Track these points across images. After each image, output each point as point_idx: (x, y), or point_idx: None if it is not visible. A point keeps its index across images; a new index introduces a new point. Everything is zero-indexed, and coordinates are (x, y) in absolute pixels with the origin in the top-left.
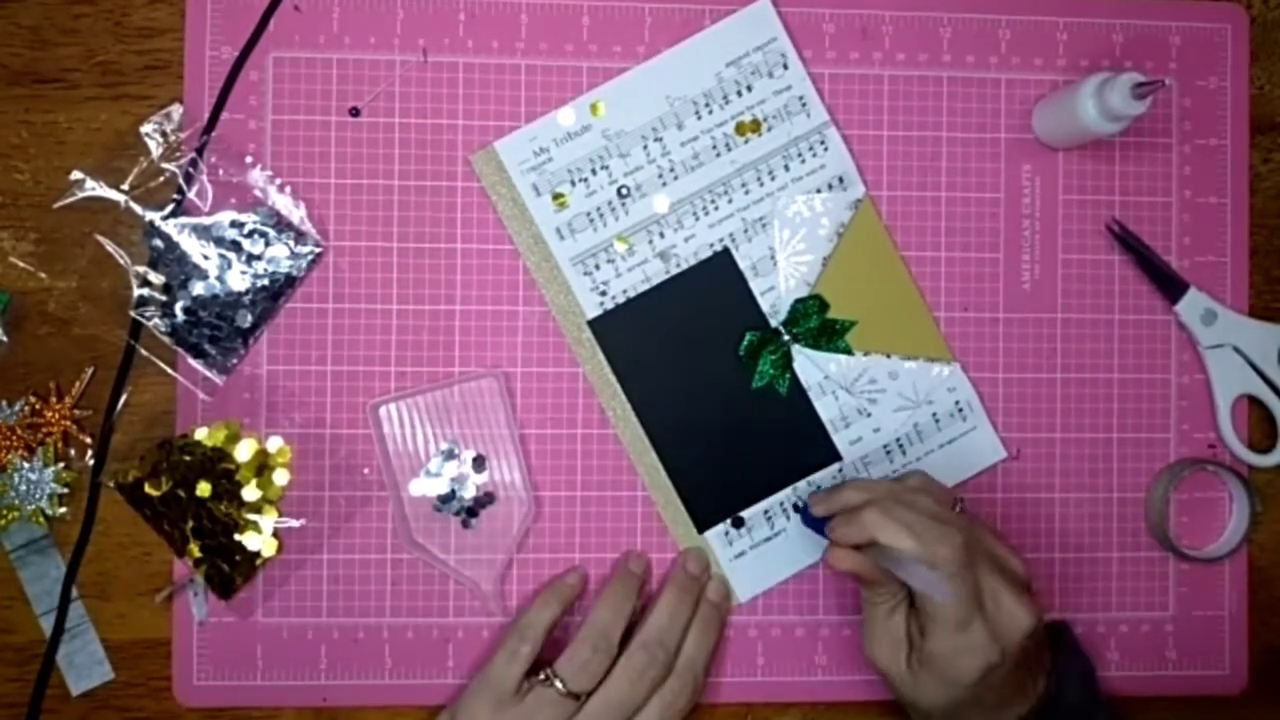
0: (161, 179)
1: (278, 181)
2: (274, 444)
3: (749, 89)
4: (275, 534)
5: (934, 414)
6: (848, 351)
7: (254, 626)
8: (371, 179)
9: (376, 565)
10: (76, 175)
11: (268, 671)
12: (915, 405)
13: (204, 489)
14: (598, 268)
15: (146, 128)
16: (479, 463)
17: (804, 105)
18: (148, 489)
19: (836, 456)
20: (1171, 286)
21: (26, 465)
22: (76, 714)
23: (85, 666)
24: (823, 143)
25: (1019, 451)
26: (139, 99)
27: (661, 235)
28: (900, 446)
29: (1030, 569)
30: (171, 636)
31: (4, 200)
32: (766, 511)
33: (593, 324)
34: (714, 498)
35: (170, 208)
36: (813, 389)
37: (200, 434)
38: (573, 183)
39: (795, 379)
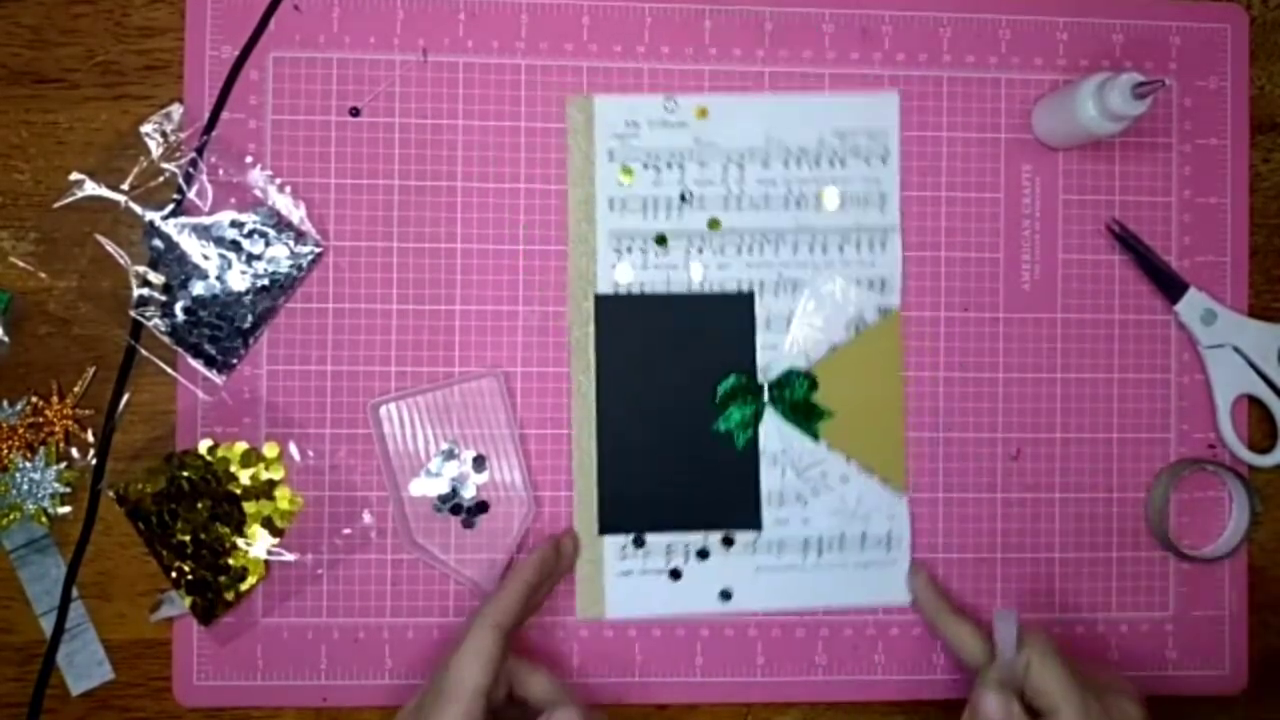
0: (161, 179)
1: (278, 181)
2: (281, 475)
3: (843, 163)
4: (265, 562)
5: (864, 532)
6: (814, 437)
7: (254, 626)
8: (371, 179)
9: (376, 565)
10: (76, 175)
11: (268, 671)
12: (851, 517)
13: (202, 510)
14: (629, 251)
15: (146, 128)
16: (479, 463)
17: (883, 201)
18: (146, 505)
19: (757, 526)
20: (1171, 286)
21: (29, 464)
22: (76, 714)
23: (85, 666)
24: (883, 243)
25: (1019, 451)
26: (139, 99)
27: (700, 251)
28: (819, 547)
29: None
30: (171, 637)
31: (4, 200)
32: (670, 545)
33: (600, 299)
34: (628, 507)
35: (170, 208)
36: (766, 456)
37: (205, 448)
38: (645, 166)
39: (755, 439)
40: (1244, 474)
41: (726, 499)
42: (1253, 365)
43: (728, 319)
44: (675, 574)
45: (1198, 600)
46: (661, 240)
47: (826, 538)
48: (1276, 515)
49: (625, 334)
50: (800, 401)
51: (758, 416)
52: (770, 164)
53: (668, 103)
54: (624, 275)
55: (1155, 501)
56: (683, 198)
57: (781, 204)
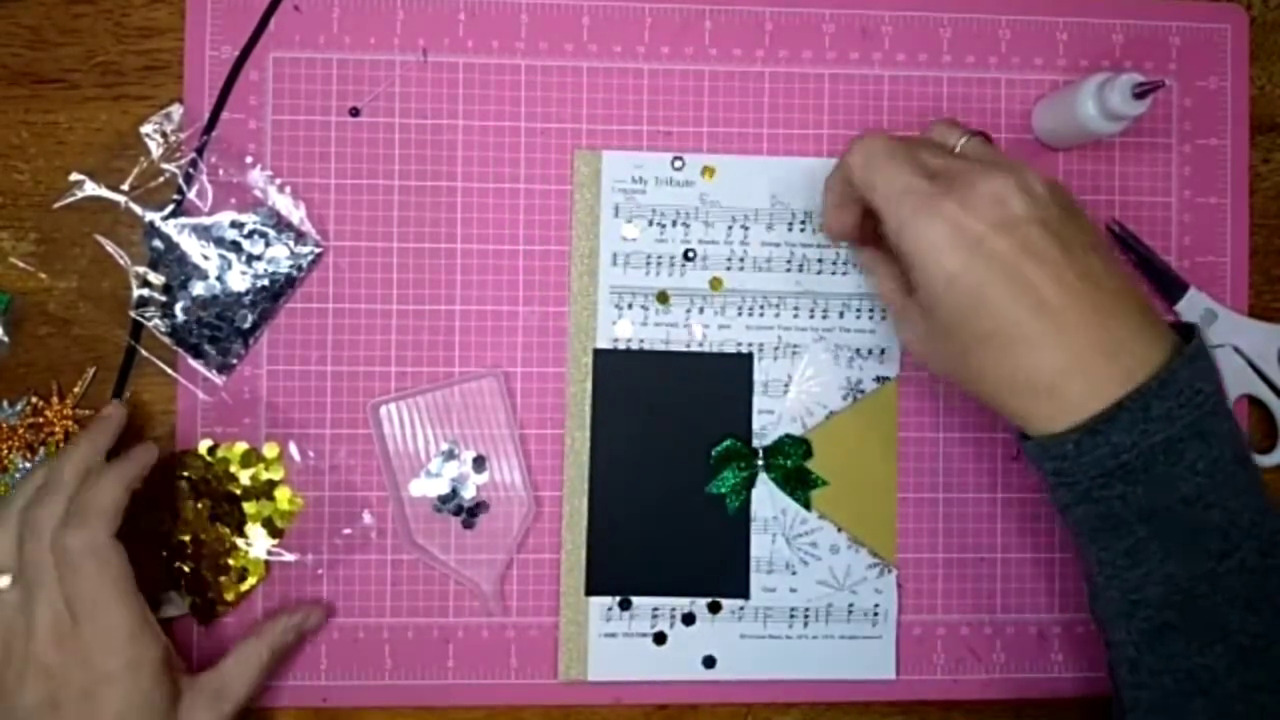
0: (161, 179)
1: (278, 181)
2: (281, 475)
3: None
4: (265, 562)
5: (850, 605)
6: (806, 506)
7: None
8: (371, 179)
9: (376, 565)
10: (76, 175)
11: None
12: (839, 588)
13: (202, 510)
14: (629, 307)
15: (146, 128)
16: (479, 463)
17: None
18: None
19: (745, 594)
20: (1171, 286)
21: (29, 465)
22: None
23: None
24: (884, 311)
25: (1019, 452)
26: (139, 99)
27: (701, 311)
28: (805, 617)
29: None
30: (171, 637)
31: (4, 200)
32: (656, 609)
33: (598, 353)
34: (616, 569)
35: (170, 208)
36: (757, 522)
37: (205, 448)
38: (650, 222)
39: (748, 504)
40: None
41: (716, 564)
42: (1253, 365)
43: (725, 380)
44: (660, 638)
45: None
46: (663, 298)
47: (813, 609)
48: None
49: (622, 390)
50: (794, 469)
51: (751, 481)
52: (774, 226)
53: (675, 160)
54: (624, 330)
55: None
56: (686, 256)
57: (784, 265)
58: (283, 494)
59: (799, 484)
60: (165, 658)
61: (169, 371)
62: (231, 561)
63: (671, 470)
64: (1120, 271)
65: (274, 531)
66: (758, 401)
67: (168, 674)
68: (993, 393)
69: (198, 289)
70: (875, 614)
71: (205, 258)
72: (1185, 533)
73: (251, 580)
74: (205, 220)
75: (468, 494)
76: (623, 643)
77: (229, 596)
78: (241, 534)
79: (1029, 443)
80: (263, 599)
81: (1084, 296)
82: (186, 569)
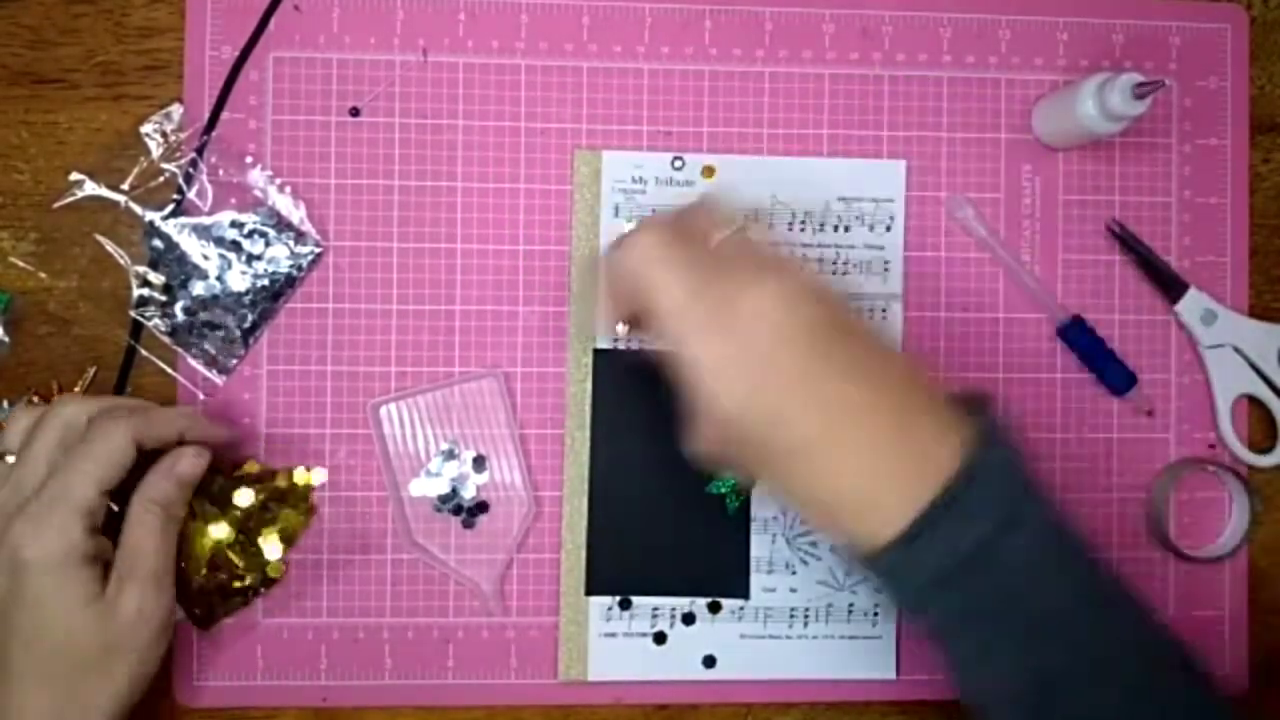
0: (161, 179)
1: (278, 181)
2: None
3: (847, 229)
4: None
5: (850, 605)
6: None
7: (254, 626)
8: (371, 179)
9: (376, 565)
10: (76, 175)
11: (268, 671)
12: (838, 588)
13: (223, 532)
14: None
15: (146, 128)
16: (479, 463)
17: (886, 270)
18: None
19: (745, 594)
20: (1171, 286)
21: None
22: None
23: None
24: (884, 311)
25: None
26: (139, 99)
27: None
28: (805, 617)
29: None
30: (171, 637)
31: (4, 200)
32: (655, 609)
33: (598, 353)
34: (616, 569)
35: (170, 208)
36: (757, 521)
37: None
38: None
39: (747, 504)
40: (1244, 474)
41: (716, 564)
42: (1253, 365)
43: None
44: (660, 638)
45: (1198, 600)
46: None
47: (813, 609)
48: (1276, 515)
49: (621, 390)
50: None
51: (751, 481)
52: (774, 226)
53: (675, 160)
54: (624, 330)
55: (1155, 501)
56: None
57: None
58: (294, 505)
59: None
60: (94, 552)
61: (169, 371)
62: (242, 578)
63: (671, 470)
64: (896, 356)
65: (288, 541)
66: None
67: (92, 567)
68: (805, 508)
69: (198, 289)
70: (875, 614)
71: (205, 258)
72: (1020, 627)
73: (255, 588)
74: (205, 220)
75: (468, 494)
76: (623, 643)
77: (230, 606)
78: (249, 550)
79: (848, 555)
80: (263, 599)
81: (875, 401)
82: (192, 584)
